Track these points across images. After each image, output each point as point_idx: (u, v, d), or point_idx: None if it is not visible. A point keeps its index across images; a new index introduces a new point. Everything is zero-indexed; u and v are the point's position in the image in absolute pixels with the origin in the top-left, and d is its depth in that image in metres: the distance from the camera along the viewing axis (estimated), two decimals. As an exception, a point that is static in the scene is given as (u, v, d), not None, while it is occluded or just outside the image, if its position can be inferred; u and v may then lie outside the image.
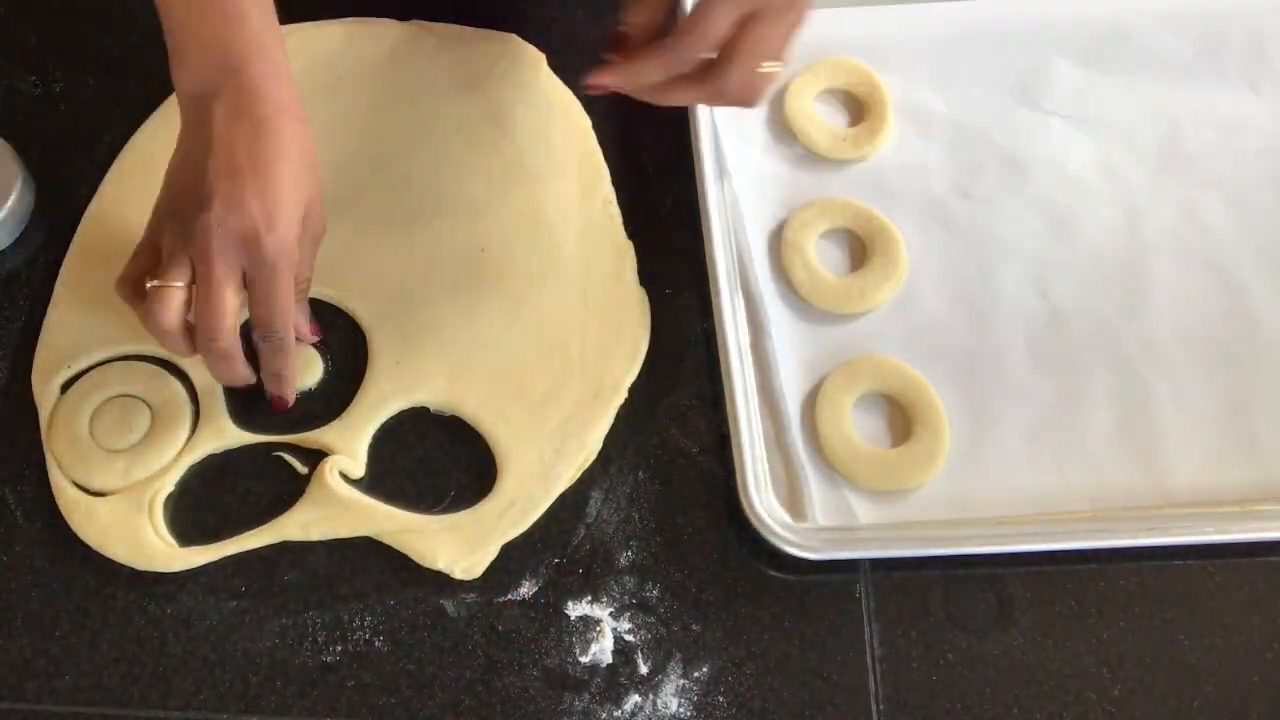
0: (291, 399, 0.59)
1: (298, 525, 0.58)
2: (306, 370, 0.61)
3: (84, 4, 0.74)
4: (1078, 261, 0.65)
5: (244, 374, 0.57)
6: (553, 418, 0.60)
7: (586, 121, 0.69)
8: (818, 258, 0.65)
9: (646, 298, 0.64)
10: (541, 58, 0.71)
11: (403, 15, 0.73)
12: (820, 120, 0.69)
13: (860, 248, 0.66)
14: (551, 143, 0.68)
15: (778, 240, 0.66)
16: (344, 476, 0.59)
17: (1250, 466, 0.59)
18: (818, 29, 0.71)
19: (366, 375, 0.61)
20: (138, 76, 0.71)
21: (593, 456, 0.60)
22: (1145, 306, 0.64)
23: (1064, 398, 0.61)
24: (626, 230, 0.66)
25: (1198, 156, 0.68)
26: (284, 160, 0.53)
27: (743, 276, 0.64)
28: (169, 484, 0.59)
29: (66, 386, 0.61)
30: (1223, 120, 0.69)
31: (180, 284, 0.52)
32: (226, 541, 0.57)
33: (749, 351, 0.62)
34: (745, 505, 0.57)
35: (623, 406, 0.61)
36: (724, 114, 0.68)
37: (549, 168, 0.67)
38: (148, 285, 0.53)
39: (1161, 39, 0.72)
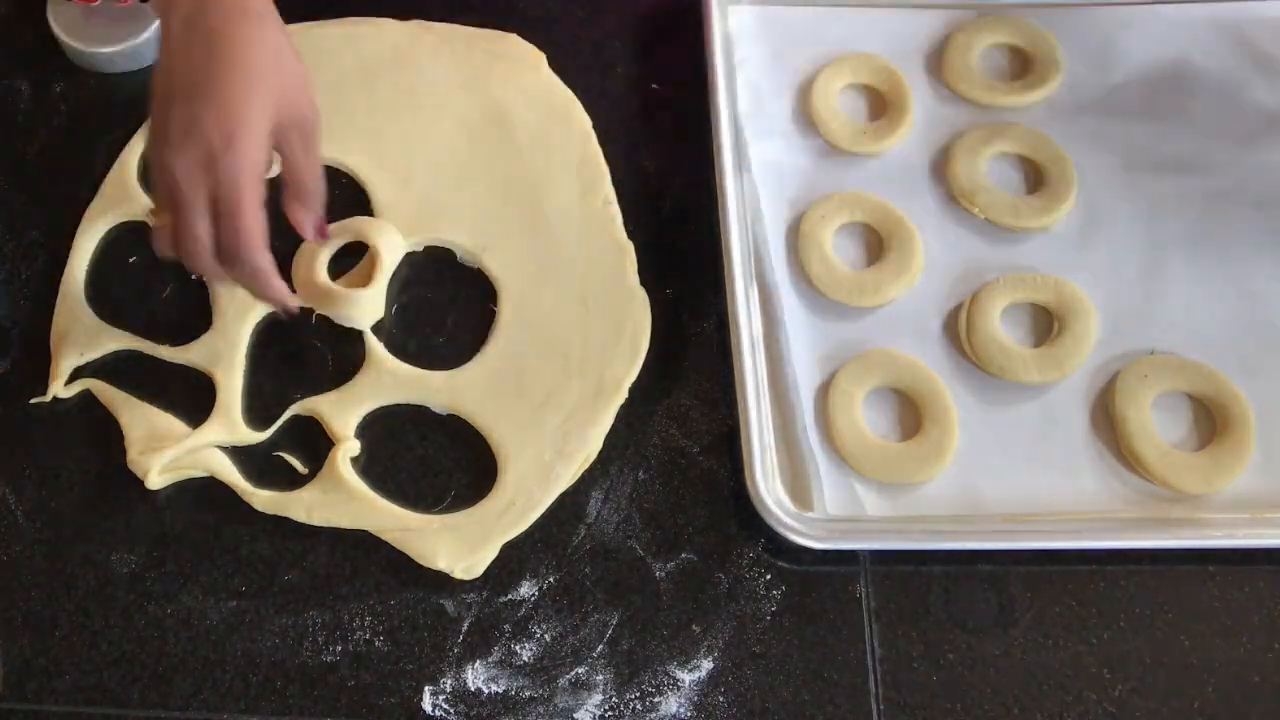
0: (291, 309, 0.58)
1: (302, 506, 0.58)
2: (366, 308, 0.62)
3: (84, 4, 0.74)
4: (1094, 262, 0.65)
5: (279, 290, 0.55)
6: (553, 418, 0.60)
7: (587, 121, 0.69)
8: (834, 251, 0.65)
9: (646, 298, 0.64)
10: (542, 57, 0.71)
11: (403, 15, 0.73)
12: (842, 114, 0.70)
13: (877, 242, 0.66)
14: (551, 143, 0.68)
15: (795, 232, 0.66)
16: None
17: (1264, 475, 0.59)
18: (845, 26, 0.72)
19: (365, 361, 0.62)
20: (138, 77, 0.71)
21: (593, 456, 0.60)
22: (1162, 310, 0.64)
23: (1075, 397, 0.61)
24: (626, 230, 0.66)
25: (1222, 164, 0.68)
26: (239, 69, 0.51)
27: (758, 267, 0.64)
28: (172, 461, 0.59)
29: (74, 377, 0.61)
30: (1249, 129, 0.69)
31: (166, 221, 0.52)
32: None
33: (761, 342, 0.62)
34: (752, 493, 0.57)
35: (623, 406, 0.61)
36: (746, 105, 0.69)
37: (549, 168, 0.67)
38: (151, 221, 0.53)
39: (1187, 43, 0.72)
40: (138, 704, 0.54)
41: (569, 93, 0.70)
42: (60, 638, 0.56)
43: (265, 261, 0.53)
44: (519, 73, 0.71)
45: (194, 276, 0.64)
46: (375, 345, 0.62)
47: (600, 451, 0.60)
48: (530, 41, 0.72)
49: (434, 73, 0.71)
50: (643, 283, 0.64)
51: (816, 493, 0.58)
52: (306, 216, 0.57)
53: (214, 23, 0.52)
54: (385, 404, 0.61)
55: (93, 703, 0.54)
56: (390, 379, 0.61)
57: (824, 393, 0.61)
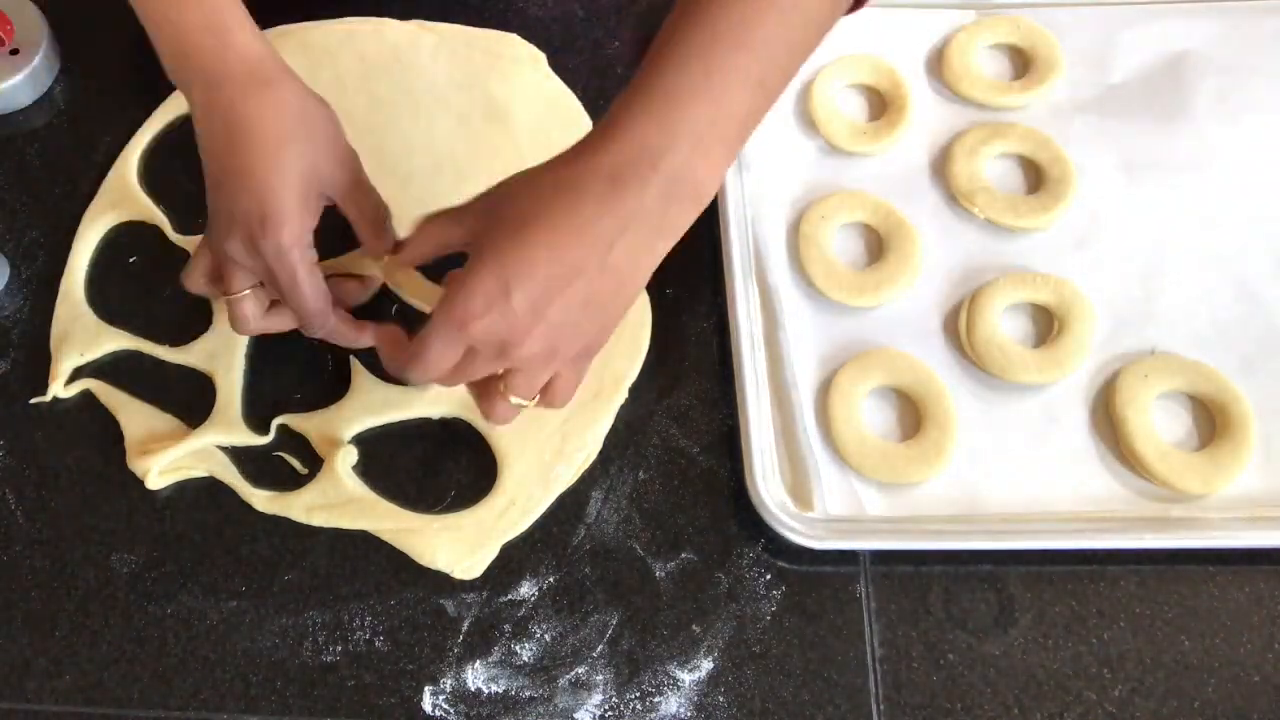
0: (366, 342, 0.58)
1: (302, 507, 0.58)
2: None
3: (84, 4, 0.74)
4: (1095, 262, 0.65)
5: (358, 339, 0.58)
6: (553, 418, 0.60)
7: (586, 121, 0.69)
8: (834, 250, 0.65)
9: (647, 297, 0.64)
10: (541, 57, 0.71)
11: (403, 15, 0.73)
12: (842, 114, 0.70)
13: (877, 242, 0.66)
14: (551, 143, 0.67)
15: (795, 232, 0.66)
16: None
17: (1264, 475, 0.59)
18: (845, 26, 0.72)
19: (350, 387, 0.62)
20: (138, 76, 0.71)
21: (593, 456, 0.60)
22: (1162, 310, 0.64)
23: (1075, 397, 0.61)
24: (627, 230, 0.65)
25: (1221, 164, 0.68)
26: (258, 145, 0.51)
27: (758, 267, 0.64)
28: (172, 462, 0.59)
29: (74, 377, 0.62)
30: (1250, 131, 0.69)
31: (240, 292, 0.55)
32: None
33: (761, 342, 0.62)
34: (752, 493, 0.57)
35: (623, 406, 0.61)
36: None
37: (549, 168, 0.67)
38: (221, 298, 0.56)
39: (1187, 43, 0.72)
40: (138, 704, 0.54)
41: (569, 93, 0.70)
42: (60, 638, 0.56)
43: (332, 321, 0.56)
44: (519, 73, 0.71)
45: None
46: (360, 370, 0.62)
47: (600, 451, 0.60)
48: (530, 41, 0.72)
49: (434, 73, 0.71)
50: (642, 282, 0.64)
51: (817, 493, 0.58)
52: (381, 245, 0.57)
53: (227, 101, 0.52)
54: (376, 425, 0.61)
55: (93, 703, 0.54)
56: (380, 400, 0.61)
57: (824, 393, 0.61)
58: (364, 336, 0.58)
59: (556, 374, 0.51)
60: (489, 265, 0.46)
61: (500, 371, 0.50)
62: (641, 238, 0.47)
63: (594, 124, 0.68)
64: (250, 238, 0.52)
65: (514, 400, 0.50)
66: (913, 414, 0.61)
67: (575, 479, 0.59)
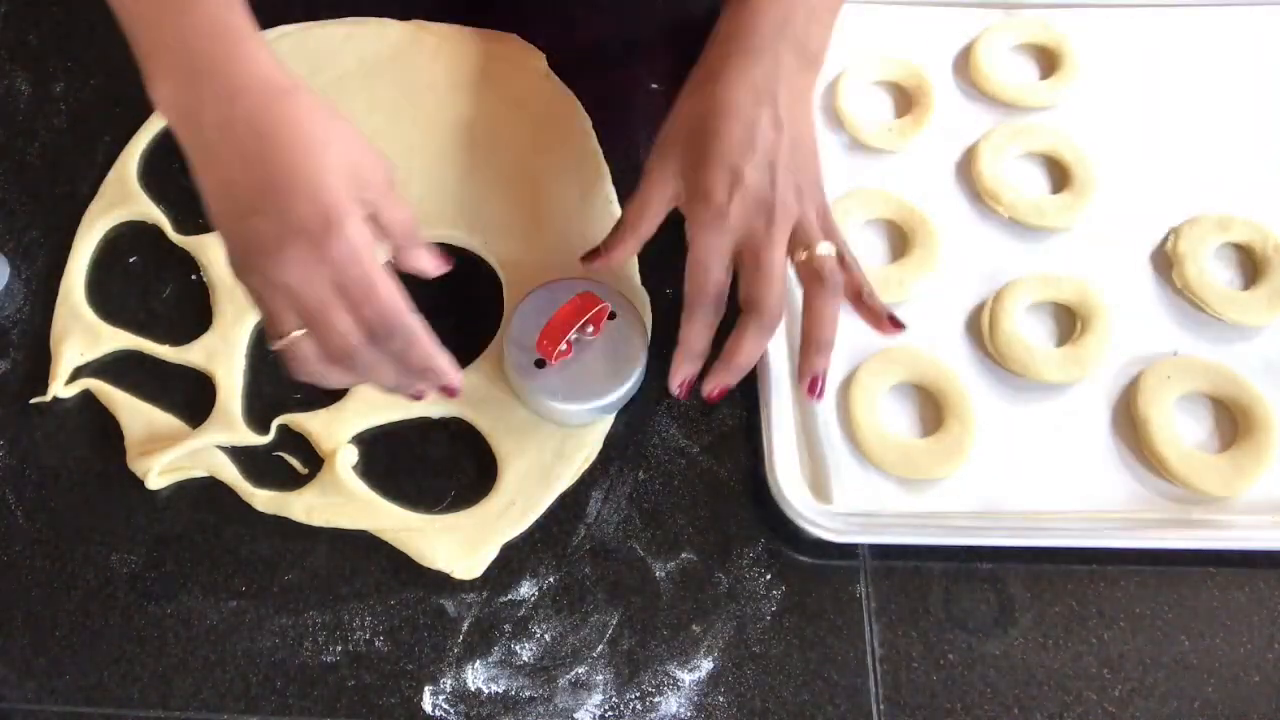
0: (454, 380, 0.53)
1: (302, 507, 0.58)
2: None
3: (84, 4, 0.74)
4: (1112, 261, 0.65)
5: (440, 356, 0.51)
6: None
7: (587, 121, 0.69)
8: (857, 246, 0.65)
9: (647, 297, 0.64)
10: (542, 57, 0.71)
11: (403, 15, 0.73)
12: (867, 111, 0.70)
13: (900, 238, 0.66)
14: (551, 142, 0.68)
15: None
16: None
17: (1269, 478, 0.59)
18: (871, 23, 0.73)
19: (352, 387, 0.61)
20: (138, 76, 0.71)
21: (592, 457, 0.60)
22: (1185, 310, 0.63)
23: (1096, 397, 0.61)
24: (627, 230, 0.65)
25: (1230, 171, 0.68)
26: (302, 144, 0.47)
27: None
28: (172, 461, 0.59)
29: (74, 377, 0.62)
30: (1255, 130, 0.69)
31: (295, 333, 0.49)
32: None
33: (783, 335, 0.61)
34: (772, 486, 0.57)
35: (623, 407, 0.61)
36: None
37: (549, 167, 0.67)
38: (271, 348, 0.49)
39: (1213, 44, 0.72)
40: (138, 704, 0.54)
41: (569, 93, 0.70)
42: (60, 638, 0.56)
43: (418, 324, 0.50)
44: (519, 73, 0.71)
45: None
46: None
47: (600, 451, 0.60)
48: (530, 41, 0.72)
49: (434, 73, 0.71)
50: (643, 282, 0.64)
51: (836, 488, 0.58)
52: (421, 256, 0.54)
53: (248, 112, 0.47)
54: (377, 424, 0.61)
55: (93, 703, 0.54)
56: (382, 398, 0.61)
57: (845, 387, 0.61)
58: (445, 361, 0.51)
59: (815, 209, 0.56)
60: (714, 168, 0.54)
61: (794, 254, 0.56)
62: (793, 92, 0.56)
63: (592, 124, 0.69)
64: (314, 244, 0.46)
65: (820, 250, 0.55)
66: (933, 411, 0.61)
67: (575, 479, 0.59)
